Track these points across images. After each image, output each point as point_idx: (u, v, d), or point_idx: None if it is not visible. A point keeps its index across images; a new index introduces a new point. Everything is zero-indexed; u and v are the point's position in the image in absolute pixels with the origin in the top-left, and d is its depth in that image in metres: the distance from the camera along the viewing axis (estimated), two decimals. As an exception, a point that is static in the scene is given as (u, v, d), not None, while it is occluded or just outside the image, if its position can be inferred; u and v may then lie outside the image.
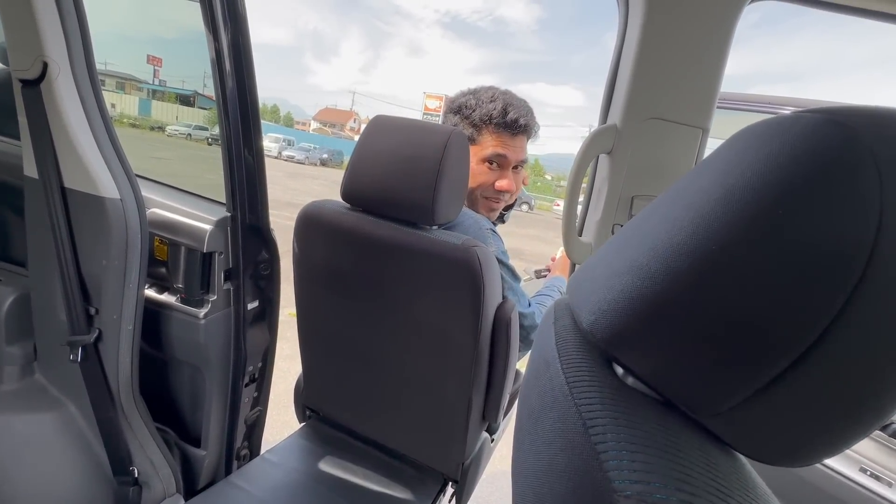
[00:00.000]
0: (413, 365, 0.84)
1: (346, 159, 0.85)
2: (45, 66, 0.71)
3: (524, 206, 18.72)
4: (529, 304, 0.94)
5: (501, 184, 0.92)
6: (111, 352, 0.84)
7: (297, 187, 10.77)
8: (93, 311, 0.82)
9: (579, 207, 0.74)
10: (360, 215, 0.78)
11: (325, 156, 23.22)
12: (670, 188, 0.27)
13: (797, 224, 0.18)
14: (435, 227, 0.77)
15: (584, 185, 0.70)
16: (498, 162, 0.91)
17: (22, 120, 0.76)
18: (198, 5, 0.78)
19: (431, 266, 0.72)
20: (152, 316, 0.94)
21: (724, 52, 0.55)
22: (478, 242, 0.71)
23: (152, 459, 0.94)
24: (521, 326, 0.88)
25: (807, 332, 0.18)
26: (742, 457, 0.23)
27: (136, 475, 0.90)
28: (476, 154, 0.91)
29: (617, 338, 0.24)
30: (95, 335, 0.82)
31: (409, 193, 0.71)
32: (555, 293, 1.06)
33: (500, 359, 0.79)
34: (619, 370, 0.27)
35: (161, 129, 19.20)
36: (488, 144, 0.90)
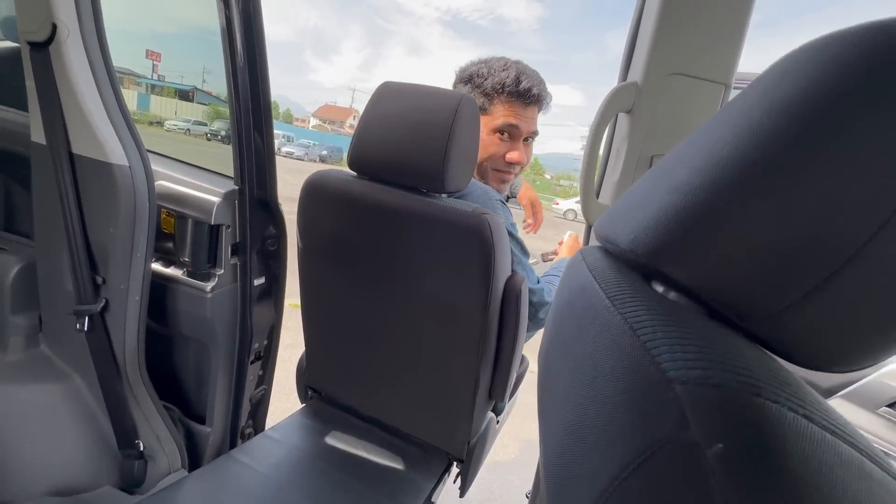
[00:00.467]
0: (419, 339, 0.83)
1: (346, 156, 0.83)
2: (55, 27, 0.70)
3: (523, 205, 18.57)
4: (538, 282, 0.93)
5: (512, 156, 0.90)
6: (118, 322, 0.83)
7: (297, 182, 10.79)
8: (100, 280, 0.81)
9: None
10: (367, 183, 0.76)
11: (324, 152, 23.23)
12: (711, 117, 0.27)
13: (849, 128, 0.18)
14: (444, 196, 0.76)
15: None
16: (509, 132, 0.90)
17: (30, 84, 0.75)
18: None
19: (440, 233, 0.71)
20: (158, 289, 0.93)
21: (748, 2, 0.55)
22: (488, 211, 0.70)
23: (158, 434, 0.93)
24: (530, 303, 0.87)
25: (858, 233, 0.18)
26: (784, 365, 0.23)
27: (142, 449, 0.89)
28: (487, 125, 0.89)
29: (660, 251, 0.24)
30: (102, 305, 0.81)
31: (419, 159, 0.70)
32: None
33: (509, 332, 0.78)
34: (659, 288, 0.27)
35: (160, 124, 19.13)
36: (500, 114, 0.88)
